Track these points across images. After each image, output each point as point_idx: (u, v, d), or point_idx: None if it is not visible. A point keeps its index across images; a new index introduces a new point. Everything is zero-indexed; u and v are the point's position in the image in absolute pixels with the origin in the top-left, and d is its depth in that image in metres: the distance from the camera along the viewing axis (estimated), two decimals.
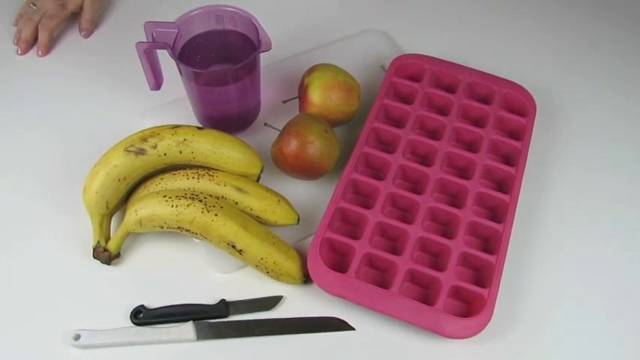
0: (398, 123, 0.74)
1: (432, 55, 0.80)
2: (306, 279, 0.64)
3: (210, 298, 0.63)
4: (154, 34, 0.65)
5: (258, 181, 0.68)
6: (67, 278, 0.64)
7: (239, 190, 0.65)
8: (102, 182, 0.63)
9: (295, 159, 0.66)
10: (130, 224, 0.63)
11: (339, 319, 0.62)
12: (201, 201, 0.61)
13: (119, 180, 0.64)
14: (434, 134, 0.74)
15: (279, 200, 0.66)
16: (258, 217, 0.65)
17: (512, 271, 0.65)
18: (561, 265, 0.67)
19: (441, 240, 0.64)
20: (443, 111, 0.76)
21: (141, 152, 0.64)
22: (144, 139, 0.64)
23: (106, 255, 0.64)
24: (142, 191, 0.66)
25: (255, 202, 0.65)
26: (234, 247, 0.61)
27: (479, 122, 0.75)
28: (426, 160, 0.72)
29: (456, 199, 0.69)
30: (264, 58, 0.70)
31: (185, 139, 0.64)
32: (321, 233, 0.64)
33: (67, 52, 0.84)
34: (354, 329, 0.62)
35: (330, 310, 0.63)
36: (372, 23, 0.90)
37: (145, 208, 0.62)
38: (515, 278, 0.65)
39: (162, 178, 0.66)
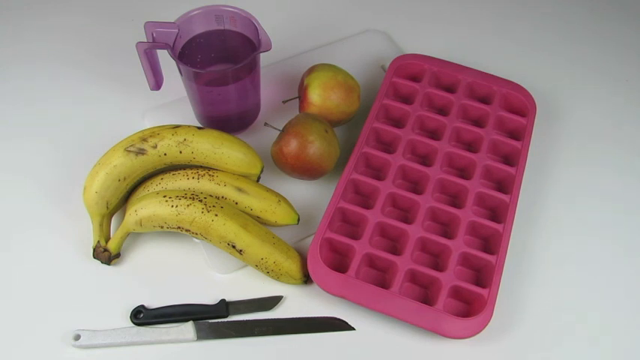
0: (398, 123, 0.74)
1: (432, 55, 0.80)
2: (306, 279, 0.64)
3: (210, 298, 0.63)
4: (154, 34, 0.65)
5: (258, 181, 0.68)
6: (67, 278, 0.64)
7: (239, 190, 0.65)
8: (102, 182, 0.63)
9: (295, 159, 0.66)
10: (130, 224, 0.63)
11: (339, 319, 0.62)
12: (201, 201, 0.61)
13: (119, 180, 0.64)
14: (434, 134, 0.74)
15: (279, 200, 0.66)
16: (258, 217, 0.65)
17: (512, 271, 0.65)
18: (561, 265, 0.67)
19: (441, 240, 0.64)
20: (443, 111, 0.76)
21: (141, 152, 0.64)
22: (144, 139, 0.64)
23: (106, 255, 0.64)
24: (142, 191, 0.66)
25: (255, 202, 0.65)
26: (234, 247, 0.61)
27: (479, 122, 0.75)
28: (426, 160, 0.72)
29: (456, 199, 0.69)
30: (264, 58, 0.70)
31: (185, 139, 0.64)
32: (321, 233, 0.64)
33: (66, 52, 0.84)
34: (354, 329, 0.62)
35: (330, 310, 0.63)
36: (372, 23, 0.90)
37: (145, 208, 0.62)
38: (515, 278, 0.66)
39: (162, 178, 0.66)
